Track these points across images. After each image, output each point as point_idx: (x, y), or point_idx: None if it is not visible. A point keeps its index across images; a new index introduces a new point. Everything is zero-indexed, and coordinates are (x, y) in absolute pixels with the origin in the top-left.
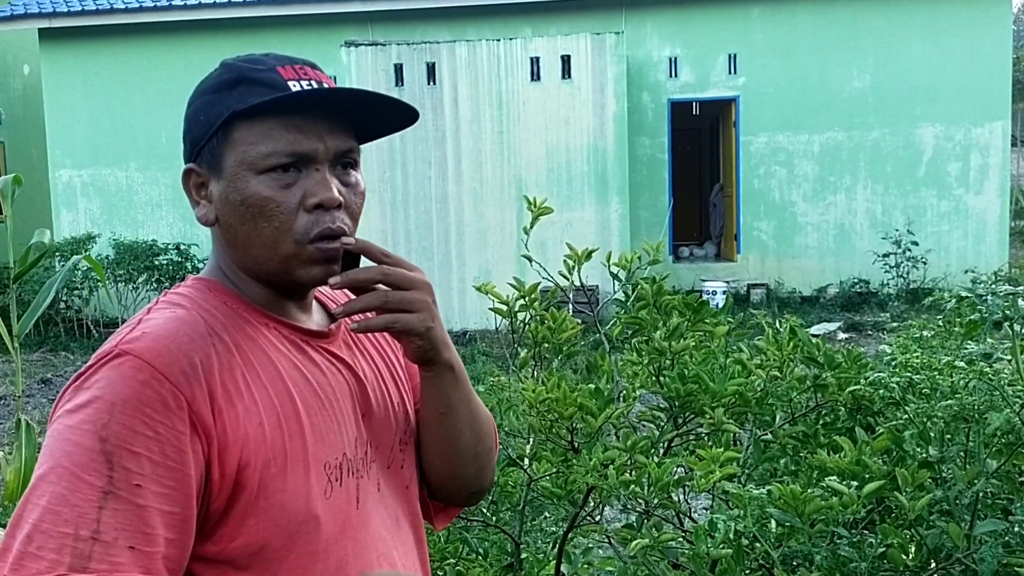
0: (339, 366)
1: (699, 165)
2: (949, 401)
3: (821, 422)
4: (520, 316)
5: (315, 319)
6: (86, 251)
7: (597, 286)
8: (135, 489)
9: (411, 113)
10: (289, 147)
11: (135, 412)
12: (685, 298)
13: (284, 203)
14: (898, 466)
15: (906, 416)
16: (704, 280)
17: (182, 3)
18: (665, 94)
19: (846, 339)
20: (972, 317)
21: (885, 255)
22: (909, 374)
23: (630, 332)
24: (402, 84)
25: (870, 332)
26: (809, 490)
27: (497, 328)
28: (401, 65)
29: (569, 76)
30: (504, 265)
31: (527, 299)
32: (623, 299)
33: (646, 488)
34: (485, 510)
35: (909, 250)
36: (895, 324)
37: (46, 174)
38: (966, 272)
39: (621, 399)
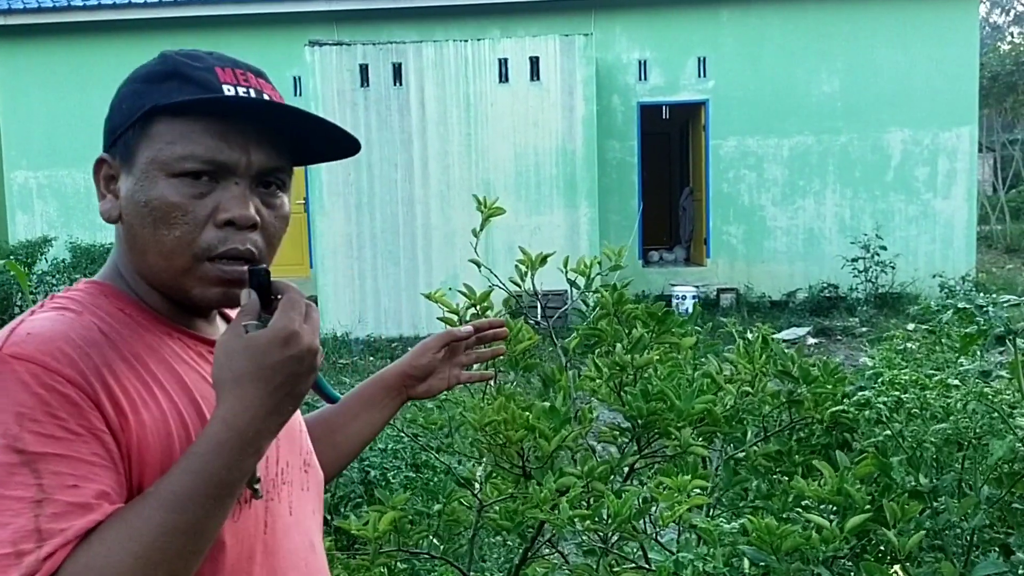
0: None
1: (669, 169)
2: (943, 424)
3: (795, 439)
4: None
5: (220, 330)
6: (42, 255)
7: (565, 291)
8: (72, 490)
9: (353, 143)
10: (208, 154)
11: (46, 417)
12: (649, 307)
13: (192, 213)
14: (884, 495)
15: (888, 434)
16: (673, 285)
17: (143, 0)
18: (635, 97)
19: (816, 344)
20: (968, 330)
21: (854, 260)
22: (897, 393)
23: (589, 344)
24: (367, 85)
25: (839, 337)
26: (786, 524)
27: None
28: (367, 65)
29: (538, 78)
30: (472, 269)
31: (479, 308)
32: (584, 307)
33: (605, 521)
34: (434, 539)
35: (878, 254)
36: (864, 329)
37: (1, 176)
38: (934, 277)
39: (579, 418)
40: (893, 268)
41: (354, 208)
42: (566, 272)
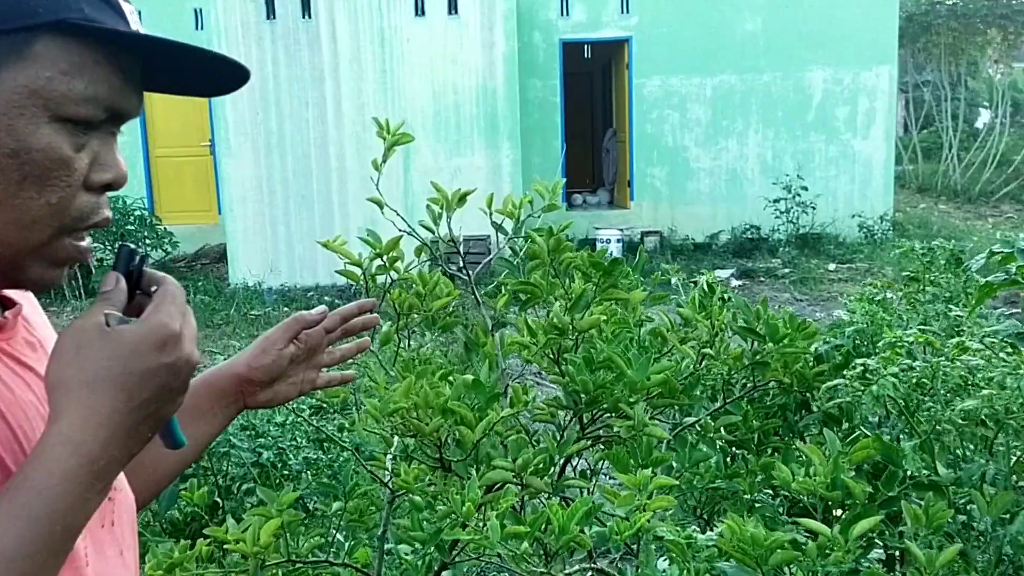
0: (24, 375)
1: (591, 110)
2: (972, 402)
3: (747, 399)
4: (379, 280)
5: None
6: None
7: (487, 236)
8: None
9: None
10: (111, 98)
11: None
12: (592, 255)
13: (76, 172)
14: (889, 487)
15: (867, 403)
16: (598, 228)
17: None
18: (556, 34)
19: (740, 286)
20: (991, 278)
21: (776, 201)
22: (907, 361)
23: (521, 301)
24: (274, 17)
25: (763, 279)
26: (776, 533)
27: (366, 291)
28: None
29: (455, 11)
30: (395, 215)
31: (386, 258)
32: (513, 256)
33: (549, 538)
34: (338, 537)
35: (799, 195)
36: (787, 270)
37: None
38: (853, 217)
39: (509, 395)
40: (814, 209)
41: (263, 150)
42: (490, 213)
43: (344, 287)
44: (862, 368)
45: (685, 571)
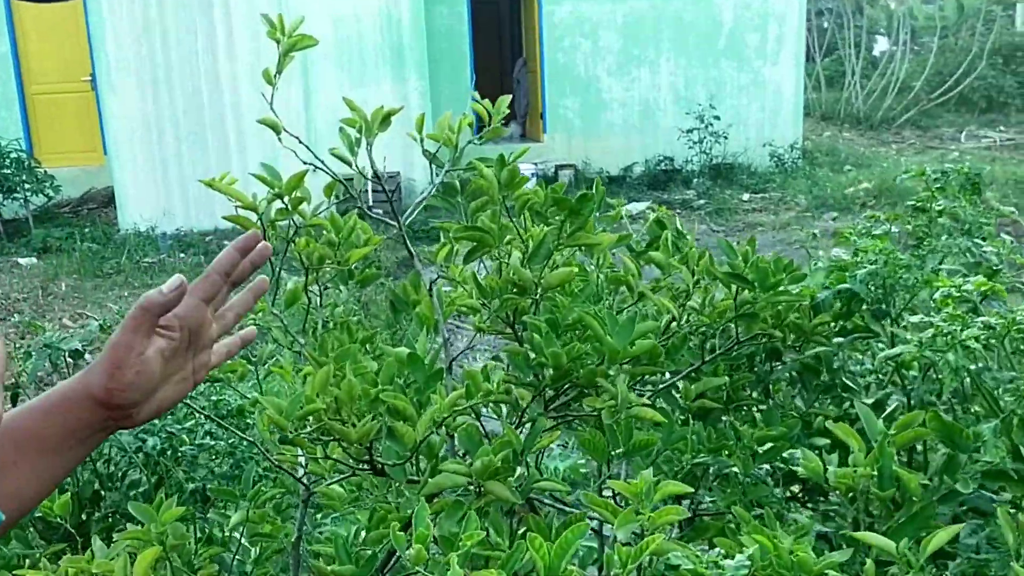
0: None
1: (500, 39)
2: None
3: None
4: (280, 226)
5: None
6: None
7: (399, 172)
8: None
9: None
10: None
11: None
12: (554, 191)
13: None
14: (949, 474)
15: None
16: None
17: None
18: None
19: None
20: None
21: (689, 131)
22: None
23: (466, 251)
24: None
25: (679, 211)
26: (832, 555)
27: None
28: None
29: None
30: (299, 153)
31: (287, 200)
32: (443, 193)
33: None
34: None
35: (711, 125)
36: (702, 201)
37: None
38: (764, 146)
39: (452, 370)
40: (726, 139)
41: (149, 85)
42: (421, 139)
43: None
44: (935, 330)
45: None
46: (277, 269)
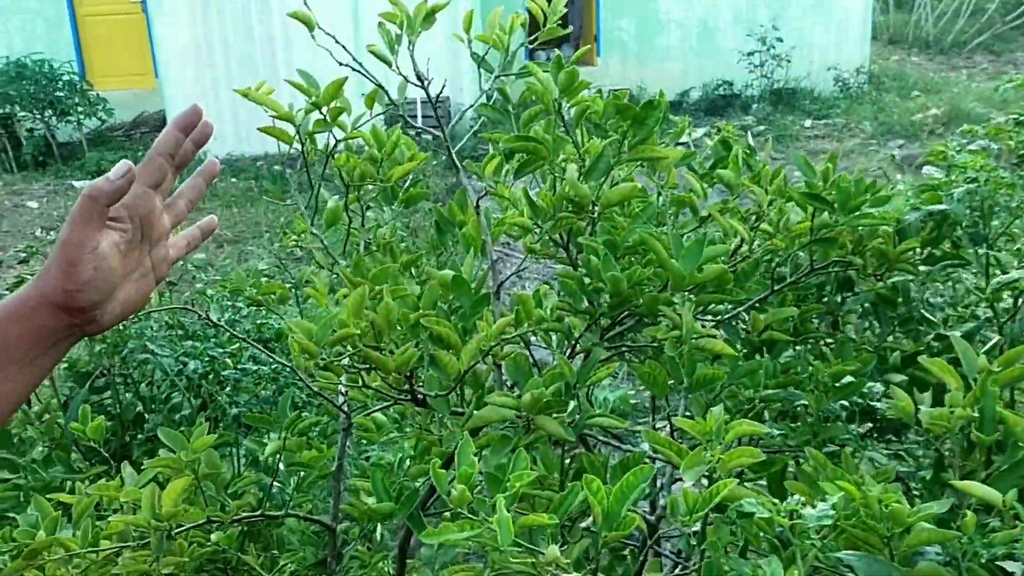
0: None
1: None
2: None
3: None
4: (318, 141)
5: None
6: None
7: (448, 98)
8: None
9: None
10: None
11: None
12: (617, 98)
13: None
14: None
15: None
16: None
17: None
18: None
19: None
20: None
21: (749, 54)
22: None
23: (516, 164)
24: None
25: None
26: (927, 506)
27: (304, 156)
28: None
29: None
30: (351, 76)
31: (326, 111)
32: (489, 106)
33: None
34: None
35: (773, 47)
36: (762, 128)
37: None
38: (829, 70)
39: (500, 296)
40: (789, 62)
41: (199, 7)
42: (469, 40)
43: (297, 156)
44: None
45: (790, 567)
46: (316, 186)
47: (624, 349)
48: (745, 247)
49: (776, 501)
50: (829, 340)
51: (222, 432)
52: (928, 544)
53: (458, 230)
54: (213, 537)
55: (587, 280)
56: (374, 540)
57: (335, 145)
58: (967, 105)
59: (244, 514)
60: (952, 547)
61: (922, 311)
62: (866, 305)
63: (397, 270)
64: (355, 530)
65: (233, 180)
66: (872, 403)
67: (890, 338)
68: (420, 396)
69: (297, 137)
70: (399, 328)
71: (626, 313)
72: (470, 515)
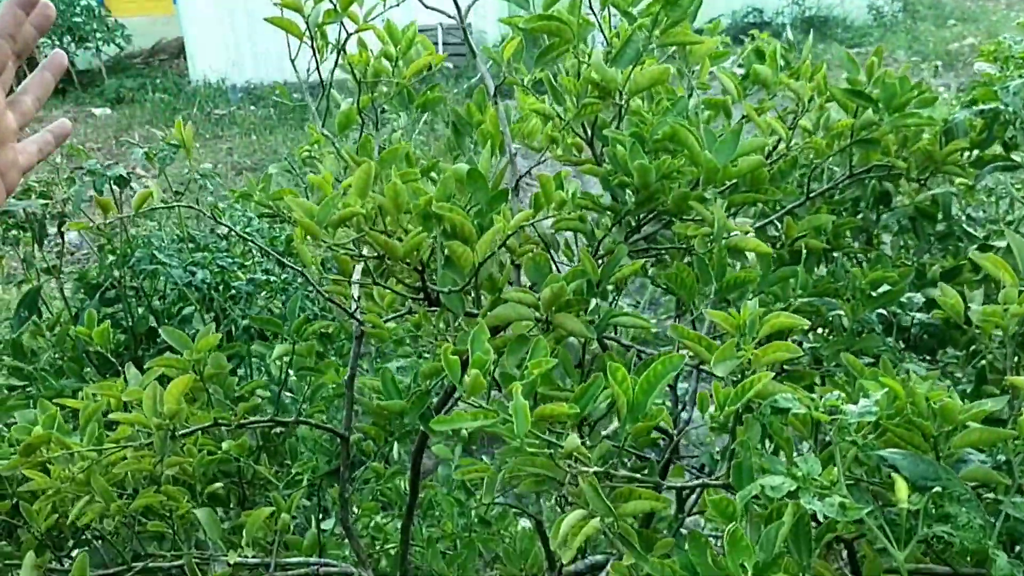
0: None
1: None
2: None
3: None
4: (330, 37)
5: None
6: None
7: (470, 25)
8: None
9: None
10: None
11: None
12: None
13: None
14: None
15: None
16: None
17: None
18: None
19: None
20: None
21: None
22: None
23: (535, 50)
24: None
25: None
26: (982, 402)
27: (315, 54)
28: None
29: None
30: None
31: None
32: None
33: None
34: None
35: None
36: (792, 55)
37: None
38: None
39: (519, 193)
40: None
41: None
42: None
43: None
44: None
45: (828, 466)
46: (328, 85)
47: (651, 253)
48: (782, 146)
49: (814, 396)
50: (863, 256)
51: (233, 344)
52: (979, 445)
53: (476, 128)
54: (224, 445)
55: (614, 176)
56: (391, 459)
57: (347, 39)
58: (1006, 34)
59: (252, 419)
60: (1005, 450)
61: (963, 226)
62: (903, 222)
63: (406, 147)
64: (369, 443)
65: (252, 108)
66: (911, 313)
67: (926, 257)
68: (433, 295)
69: (307, 33)
70: (409, 213)
71: (653, 214)
72: (486, 407)
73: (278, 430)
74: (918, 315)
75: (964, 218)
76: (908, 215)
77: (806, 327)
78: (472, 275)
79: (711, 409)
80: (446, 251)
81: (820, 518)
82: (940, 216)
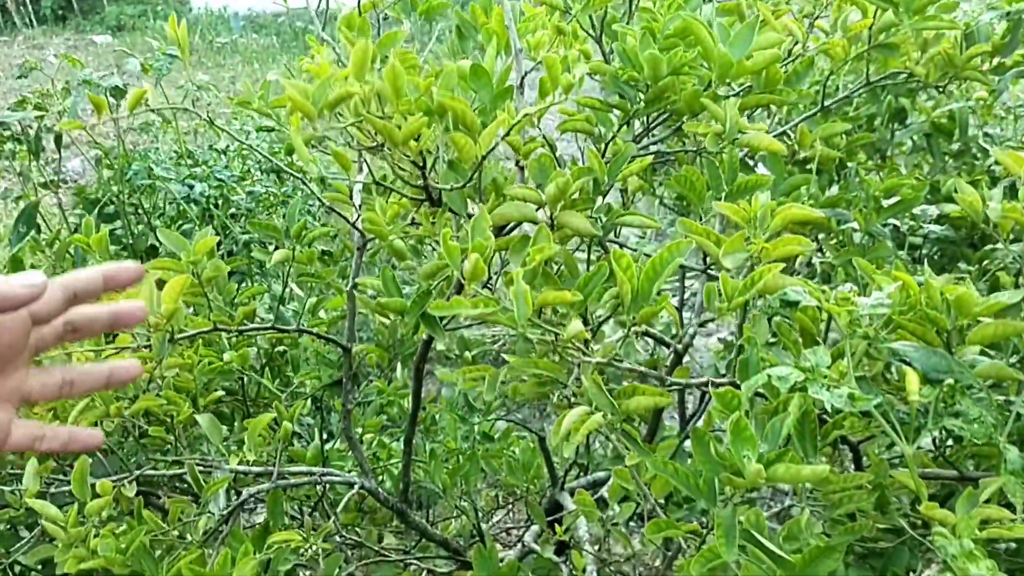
0: None
1: None
2: None
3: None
4: None
5: None
6: None
7: None
8: None
9: None
10: None
11: None
12: None
13: None
14: None
15: None
16: None
17: None
18: None
19: None
20: None
21: None
22: None
23: None
24: None
25: None
26: (1001, 294)
27: None
28: None
29: None
30: None
31: None
32: None
33: (601, 304)
34: (295, 291)
35: None
36: None
37: None
38: None
39: (525, 91)
40: None
41: None
42: None
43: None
44: None
45: (837, 360)
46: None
47: (662, 155)
48: (798, 47)
49: (825, 288)
50: (877, 172)
51: (234, 258)
52: (994, 340)
53: (482, 29)
54: (226, 356)
55: (622, 72)
56: (394, 380)
57: None
58: None
59: (253, 325)
60: (1020, 344)
61: (980, 142)
62: (917, 140)
63: (403, 34)
64: (372, 357)
65: (255, 36)
66: (924, 225)
67: (942, 173)
68: (435, 195)
69: None
70: (408, 99)
71: (663, 117)
72: (487, 298)
73: (281, 348)
74: (931, 226)
75: (981, 136)
76: (924, 131)
77: (821, 220)
78: (475, 170)
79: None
80: (448, 147)
81: (828, 408)
82: (956, 134)
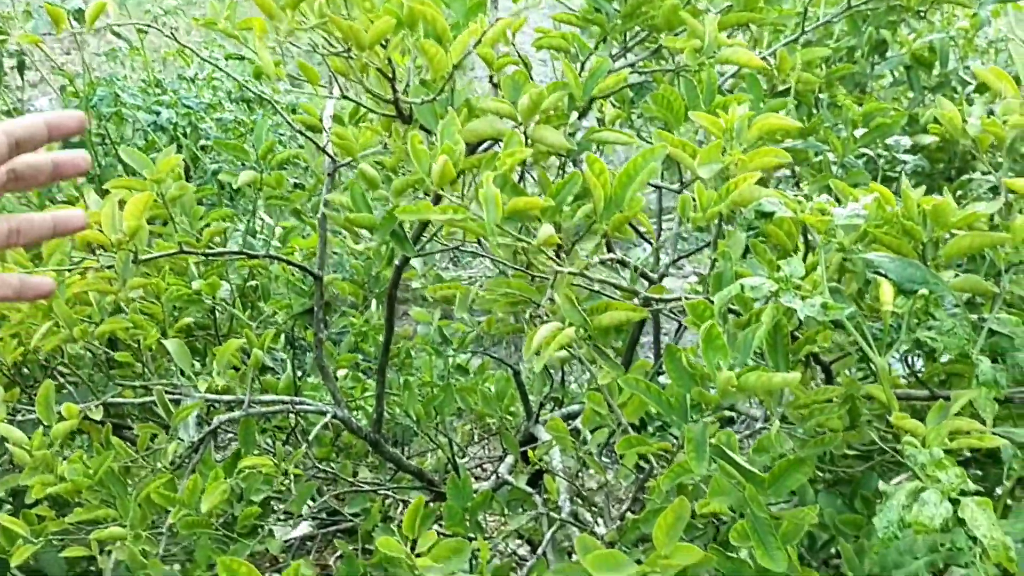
0: None
1: None
2: None
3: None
4: None
5: None
6: None
7: None
8: None
9: None
10: None
11: None
12: None
13: None
14: None
15: None
16: None
17: None
18: None
19: None
20: None
21: None
22: None
23: None
24: None
25: None
26: (978, 205)
27: None
28: None
29: None
30: None
31: None
32: None
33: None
34: (264, 219)
35: None
36: None
37: None
38: None
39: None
40: None
41: None
42: None
43: None
44: None
45: (812, 269)
46: None
47: (641, 72)
48: None
49: (802, 199)
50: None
51: (203, 187)
52: (970, 251)
53: None
54: (195, 284)
55: None
56: (368, 317)
57: None
58: None
59: (220, 250)
60: (996, 256)
61: (960, 74)
62: (897, 73)
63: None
64: (344, 288)
65: None
66: (899, 155)
67: (921, 105)
68: (406, 110)
69: None
70: (373, 2)
71: (641, 36)
72: (458, 206)
73: (252, 283)
74: (907, 155)
75: (961, 68)
76: (904, 64)
77: (797, 129)
78: (446, 82)
79: (692, 212)
80: (419, 66)
81: (800, 320)
82: (937, 67)
